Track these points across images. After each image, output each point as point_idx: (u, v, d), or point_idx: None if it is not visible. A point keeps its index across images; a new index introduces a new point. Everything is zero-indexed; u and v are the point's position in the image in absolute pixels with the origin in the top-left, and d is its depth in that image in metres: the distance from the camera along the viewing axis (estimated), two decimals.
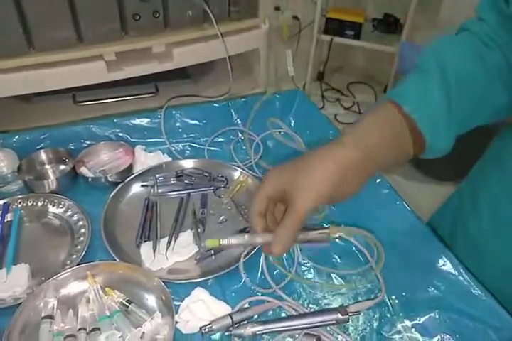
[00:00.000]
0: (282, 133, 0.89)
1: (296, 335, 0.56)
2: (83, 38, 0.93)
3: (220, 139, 0.90)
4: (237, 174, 0.79)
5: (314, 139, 0.86)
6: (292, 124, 0.93)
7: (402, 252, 0.66)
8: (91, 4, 0.89)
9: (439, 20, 2.18)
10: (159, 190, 0.77)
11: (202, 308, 0.56)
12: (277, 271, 0.64)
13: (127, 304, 0.56)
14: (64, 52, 0.92)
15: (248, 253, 0.64)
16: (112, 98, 1.06)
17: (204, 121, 0.92)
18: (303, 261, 0.66)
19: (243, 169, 0.80)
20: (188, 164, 0.81)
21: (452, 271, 0.63)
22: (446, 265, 0.64)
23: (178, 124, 0.91)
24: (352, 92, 2.46)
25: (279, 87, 1.21)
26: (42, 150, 0.80)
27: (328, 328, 0.57)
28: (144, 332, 0.53)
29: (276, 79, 1.26)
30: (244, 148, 0.88)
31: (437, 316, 0.59)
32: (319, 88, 2.41)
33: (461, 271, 0.63)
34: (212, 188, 0.78)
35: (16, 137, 0.82)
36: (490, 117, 0.53)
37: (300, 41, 2.27)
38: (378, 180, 0.75)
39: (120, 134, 0.86)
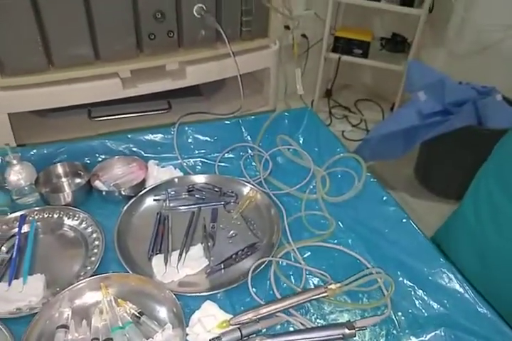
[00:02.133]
0: (291, 150, 0.92)
1: None
2: (100, 55, 0.97)
3: (231, 155, 0.93)
4: (246, 190, 0.81)
5: (323, 156, 0.88)
6: (301, 141, 0.95)
7: (408, 269, 0.68)
8: (108, 23, 0.93)
9: (446, 39, 2.21)
10: (171, 204, 0.79)
11: (213, 322, 0.58)
12: (285, 285, 0.66)
13: (139, 315, 0.58)
14: (81, 69, 0.96)
15: (256, 269, 0.66)
16: (127, 114, 1.09)
17: (215, 138, 0.95)
18: (311, 277, 0.67)
19: (253, 185, 0.82)
20: (199, 179, 0.84)
21: (458, 288, 0.64)
22: (452, 282, 0.65)
23: (190, 140, 0.94)
24: (359, 109, 2.48)
25: (287, 104, 1.24)
26: (59, 164, 0.83)
27: None
28: None
29: (286, 97, 1.28)
30: (254, 164, 0.90)
31: (443, 333, 0.60)
32: (327, 105, 2.43)
33: (467, 288, 0.63)
34: (222, 203, 0.80)
35: (34, 151, 0.85)
36: None
37: (308, 59, 2.31)
38: (385, 198, 0.77)
39: (134, 149, 0.89)
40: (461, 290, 0.63)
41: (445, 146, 1.74)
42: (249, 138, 0.95)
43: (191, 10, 0.99)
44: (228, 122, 0.97)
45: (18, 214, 0.74)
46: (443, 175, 1.83)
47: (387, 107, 2.45)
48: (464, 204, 0.77)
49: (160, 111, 1.12)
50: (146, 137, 0.91)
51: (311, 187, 0.82)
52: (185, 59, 1.06)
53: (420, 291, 0.65)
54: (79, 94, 0.98)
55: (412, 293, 0.65)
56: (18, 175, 0.78)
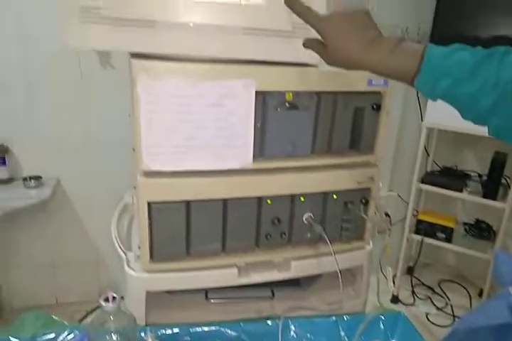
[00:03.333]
0: None
1: None
2: (226, 249, 1.19)
3: None
4: None
5: None
6: None
7: None
8: (237, 227, 1.17)
9: None
10: None
11: None
12: None
13: None
14: (210, 260, 1.18)
15: None
16: (236, 298, 1.26)
17: (314, 334, 1.05)
18: None
19: None
20: None
21: None
22: None
23: (292, 334, 1.05)
24: (444, 291, 2.45)
25: (379, 299, 1.34)
26: None
27: None
28: None
29: (378, 289, 1.39)
30: None
31: None
32: (409, 283, 2.45)
33: None
34: None
35: (163, 331, 1.01)
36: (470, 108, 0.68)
37: (391, 235, 2.45)
38: None
39: (244, 338, 1.02)
40: None
41: None
42: (346, 338, 1.05)
43: (302, 218, 1.22)
44: (326, 319, 1.09)
45: None
46: None
47: (475, 292, 2.40)
48: None
49: (264, 299, 1.28)
50: (255, 327, 1.05)
51: None
52: (292, 255, 1.25)
53: None
54: (203, 280, 1.18)
55: None
56: None
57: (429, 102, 2.16)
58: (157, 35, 0.92)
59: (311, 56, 1.04)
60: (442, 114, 2.16)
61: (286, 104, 1.08)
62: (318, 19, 0.78)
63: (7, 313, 2.10)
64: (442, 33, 2.15)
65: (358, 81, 1.12)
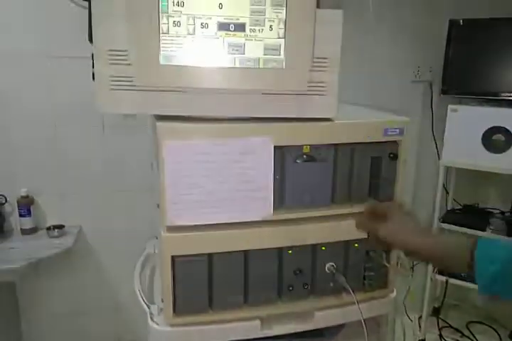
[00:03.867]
0: None
1: None
2: (248, 302, 1.18)
3: None
4: None
5: None
6: None
7: None
8: (259, 278, 1.17)
9: None
10: None
11: None
12: None
13: None
14: (232, 313, 1.17)
15: None
16: None
17: None
18: None
19: None
20: None
21: None
22: None
23: None
24: (473, 333, 2.36)
25: None
26: None
27: None
28: None
29: (404, 336, 1.36)
30: None
31: None
32: (436, 325, 2.37)
33: None
34: None
35: None
36: None
37: (414, 274, 2.40)
38: None
39: None
40: None
41: None
42: None
43: (324, 268, 1.22)
44: None
45: None
46: None
47: (505, 334, 2.30)
48: None
49: None
50: None
51: None
52: (315, 306, 1.24)
53: None
54: (226, 333, 1.17)
55: None
56: None
57: (446, 140, 2.16)
58: (183, 100, 0.96)
59: (326, 111, 1.09)
60: (460, 152, 2.16)
61: (304, 156, 1.11)
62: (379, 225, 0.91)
63: None
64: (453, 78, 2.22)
65: (373, 132, 1.15)
